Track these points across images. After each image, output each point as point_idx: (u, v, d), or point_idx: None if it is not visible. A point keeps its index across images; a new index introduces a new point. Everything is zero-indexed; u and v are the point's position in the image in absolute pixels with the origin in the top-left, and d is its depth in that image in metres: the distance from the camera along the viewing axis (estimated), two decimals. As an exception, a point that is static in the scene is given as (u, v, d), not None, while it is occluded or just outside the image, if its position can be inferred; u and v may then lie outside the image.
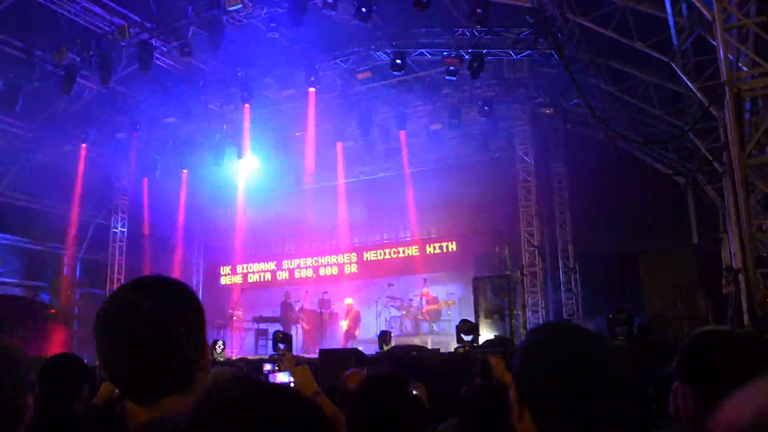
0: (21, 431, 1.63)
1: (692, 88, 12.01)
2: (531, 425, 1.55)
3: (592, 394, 1.50)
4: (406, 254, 20.90)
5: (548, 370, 1.54)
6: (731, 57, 9.59)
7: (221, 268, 23.91)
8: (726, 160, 11.64)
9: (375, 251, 21.76)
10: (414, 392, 4.63)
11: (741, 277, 9.77)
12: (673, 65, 12.31)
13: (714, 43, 9.90)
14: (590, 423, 1.50)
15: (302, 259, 22.82)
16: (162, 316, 1.57)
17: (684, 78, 12.20)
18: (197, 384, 1.59)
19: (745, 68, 9.87)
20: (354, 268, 21.58)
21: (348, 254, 21.86)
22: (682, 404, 1.95)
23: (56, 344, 17.69)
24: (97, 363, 1.62)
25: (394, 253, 21.26)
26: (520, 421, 1.57)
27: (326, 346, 17.04)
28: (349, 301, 19.34)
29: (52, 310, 20.13)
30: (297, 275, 22.45)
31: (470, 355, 10.76)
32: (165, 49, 15.62)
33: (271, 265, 23.08)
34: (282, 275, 22.75)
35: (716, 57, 9.87)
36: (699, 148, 13.94)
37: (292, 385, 3.75)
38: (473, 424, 3.24)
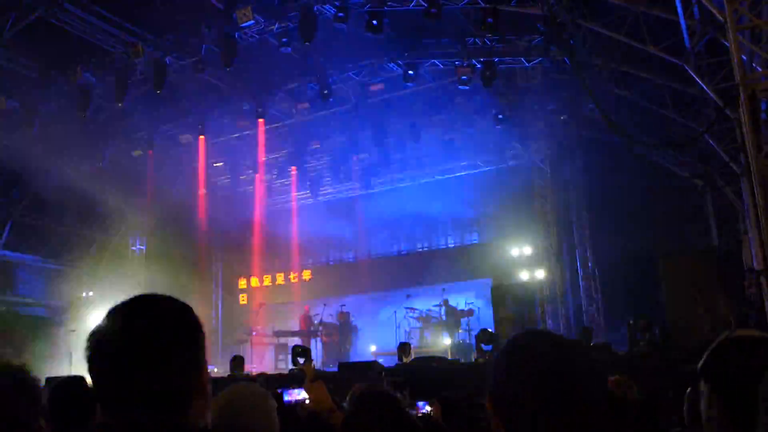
0: None
1: (706, 90, 11.93)
2: None
3: (562, 406, 1.46)
4: (424, 264, 20.85)
5: (517, 380, 1.51)
6: (744, 58, 9.51)
7: (240, 282, 23.97)
8: (743, 161, 11.54)
9: (393, 262, 21.74)
10: (428, 409, 4.62)
11: (763, 279, 9.66)
12: (686, 68, 12.23)
13: (727, 44, 9.83)
14: None
15: (320, 272, 22.84)
16: (153, 337, 1.50)
17: (698, 80, 12.12)
18: (193, 409, 1.52)
19: (759, 68, 9.79)
20: (372, 279, 21.56)
21: (366, 265, 21.85)
22: (706, 409, 1.92)
23: (77, 364, 17.78)
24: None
25: (412, 263, 21.23)
26: (496, 430, 1.55)
27: (346, 359, 17.03)
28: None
29: (73, 329, 20.24)
30: (316, 287, 22.45)
31: (490, 366, 10.70)
32: (178, 66, 15.73)
33: (290, 278, 23.11)
34: (300, 288, 22.77)
35: (730, 58, 9.80)
36: (716, 150, 13.82)
37: (307, 401, 3.74)
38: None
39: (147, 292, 1.64)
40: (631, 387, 4.55)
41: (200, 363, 1.58)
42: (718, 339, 2.02)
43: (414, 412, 4.94)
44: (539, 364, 1.51)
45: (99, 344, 1.53)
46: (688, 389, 1.98)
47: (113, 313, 1.57)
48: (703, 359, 2.00)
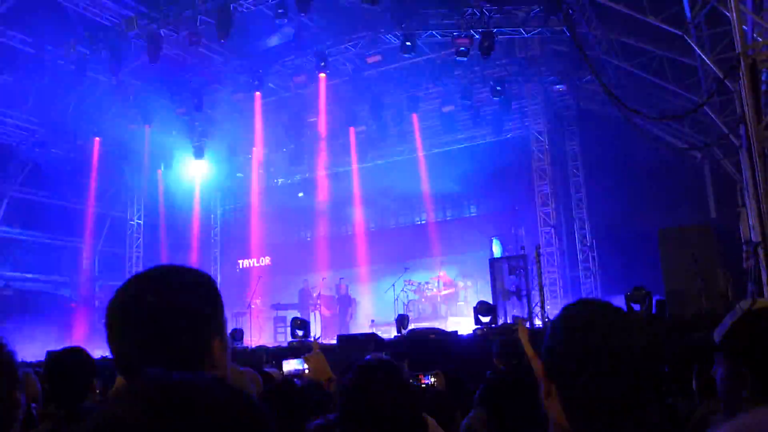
0: (15, 427, 1.60)
1: (707, 60, 11.85)
2: (559, 403, 1.51)
3: (621, 376, 1.45)
4: (422, 237, 20.85)
5: (577, 347, 1.50)
6: (746, 28, 9.43)
7: (238, 255, 23.94)
8: (742, 132, 11.48)
9: (391, 235, 21.72)
10: (432, 380, 4.63)
11: (760, 251, 9.65)
12: (686, 38, 12.13)
13: (728, 14, 9.74)
14: (617, 405, 1.46)
15: (318, 245, 22.81)
16: (169, 307, 1.51)
17: (698, 51, 12.03)
18: None
19: (760, 39, 9.71)
20: (370, 253, 21.55)
21: (364, 239, 21.85)
22: (728, 384, 1.89)
23: (77, 338, 17.83)
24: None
25: (410, 236, 21.22)
26: (548, 396, 1.54)
27: (345, 331, 17.08)
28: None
29: (72, 304, 20.29)
30: (313, 261, 22.44)
31: (489, 337, 10.73)
32: (173, 39, 15.59)
33: (288, 251, 23.06)
34: (299, 261, 22.75)
35: (730, 29, 9.71)
36: (715, 122, 13.76)
37: (306, 371, 3.75)
38: (499, 409, 3.20)
39: (146, 266, 1.64)
40: None
41: (215, 333, 1.58)
42: (738, 312, 1.98)
43: (417, 382, 4.94)
44: (598, 334, 1.50)
45: (115, 309, 1.55)
46: (696, 366, 1.96)
47: (134, 281, 1.59)
48: (723, 333, 1.96)
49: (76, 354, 3.42)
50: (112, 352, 1.55)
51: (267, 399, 3.35)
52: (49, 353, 3.53)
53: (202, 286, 1.61)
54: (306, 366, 3.81)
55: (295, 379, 3.74)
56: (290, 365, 3.88)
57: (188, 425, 0.79)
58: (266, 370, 4.76)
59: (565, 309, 1.62)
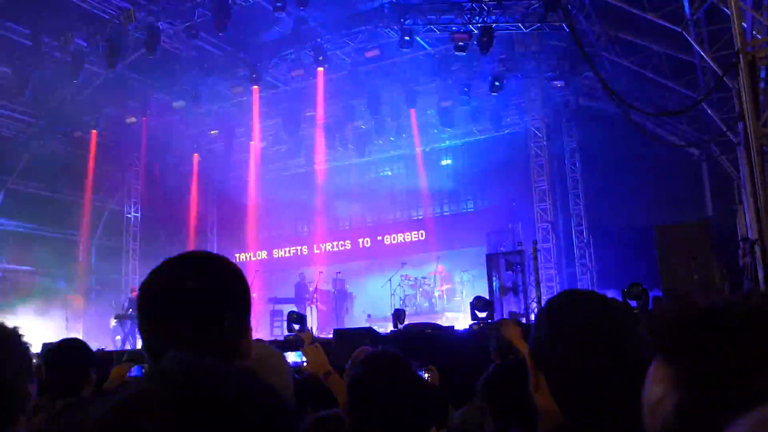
0: (23, 419, 1.58)
1: (705, 57, 11.85)
2: (548, 394, 1.50)
3: (610, 365, 1.44)
4: (419, 232, 20.84)
5: (564, 336, 1.49)
6: (745, 25, 9.42)
7: (235, 248, 23.91)
8: (740, 130, 11.49)
9: (388, 230, 21.71)
10: (426, 375, 4.62)
11: (757, 248, 9.67)
12: (685, 35, 12.13)
13: (727, 11, 9.73)
14: (607, 392, 1.44)
15: (315, 240, 22.80)
16: (204, 293, 1.49)
17: (697, 48, 12.03)
18: None
19: (759, 36, 9.71)
20: (368, 247, 21.55)
21: (361, 233, 21.83)
22: (656, 389, 1.86)
23: (74, 331, 17.79)
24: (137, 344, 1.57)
25: (407, 231, 21.21)
26: (536, 390, 1.53)
27: (341, 326, 17.07)
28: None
29: (69, 297, 20.23)
30: (310, 256, 22.44)
31: (485, 332, 10.73)
32: (171, 31, 15.55)
33: (284, 245, 23.07)
34: (295, 255, 22.75)
35: (729, 26, 9.71)
36: (713, 119, 13.77)
37: (304, 364, 3.74)
38: (497, 402, 3.20)
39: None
40: None
41: (246, 324, 1.58)
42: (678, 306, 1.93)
43: None
44: (583, 321, 1.50)
45: (152, 292, 1.52)
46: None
47: (168, 266, 1.55)
48: (659, 327, 1.92)
49: (74, 345, 3.41)
50: (143, 336, 1.53)
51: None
52: (46, 345, 3.52)
53: (237, 275, 1.59)
54: (304, 359, 3.80)
55: (294, 373, 3.75)
56: (288, 358, 3.87)
57: (213, 415, 0.75)
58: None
59: (550, 300, 1.62)
